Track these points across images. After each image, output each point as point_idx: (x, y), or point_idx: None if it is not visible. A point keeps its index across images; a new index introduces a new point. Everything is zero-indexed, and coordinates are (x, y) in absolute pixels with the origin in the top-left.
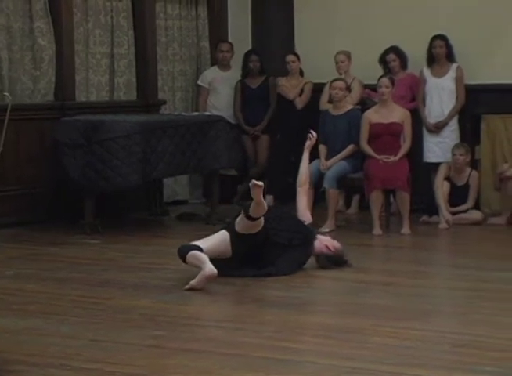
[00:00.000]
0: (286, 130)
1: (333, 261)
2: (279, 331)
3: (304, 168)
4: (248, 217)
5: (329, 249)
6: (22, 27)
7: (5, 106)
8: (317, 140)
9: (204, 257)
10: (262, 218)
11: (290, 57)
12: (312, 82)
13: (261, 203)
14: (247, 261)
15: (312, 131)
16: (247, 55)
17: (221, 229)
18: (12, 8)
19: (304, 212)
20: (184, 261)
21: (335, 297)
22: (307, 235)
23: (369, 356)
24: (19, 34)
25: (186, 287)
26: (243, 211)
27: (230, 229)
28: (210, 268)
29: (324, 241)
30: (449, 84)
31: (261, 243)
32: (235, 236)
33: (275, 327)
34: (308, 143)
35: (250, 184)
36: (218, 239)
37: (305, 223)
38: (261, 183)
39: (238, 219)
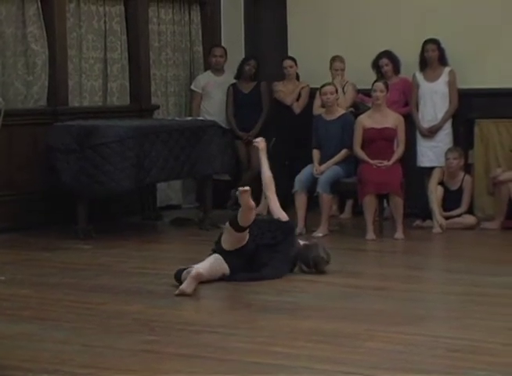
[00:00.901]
0: (284, 134)
1: (313, 255)
2: (271, 336)
3: (265, 172)
4: (237, 229)
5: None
6: (15, 33)
7: None
8: (303, 144)
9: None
10: (247, 230)
11: (288, 62)
12: (309, 86)
13: (252, 208)
14: (244, 269)
15: (257, 139)
16: (246, 59)
17: (209, 254)
18: (5, 13)
19: (278, 212)
20: (180, 283)
21: (328, 301)
22: (286, 227)
23: (363, 361)
24: (12, 39)
25: (176, 292)
26: (229, 226)
27: (219, 250)
28: (195, 268)
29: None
30: (442, 88)
31: (253, 251)
32: (226, 255)
33: (268, 332)
34: (261, 147)
35: (237, 193)
36: (214, 259)
37: (281, 219)
38: (247, 188)
39: (223, 238)
